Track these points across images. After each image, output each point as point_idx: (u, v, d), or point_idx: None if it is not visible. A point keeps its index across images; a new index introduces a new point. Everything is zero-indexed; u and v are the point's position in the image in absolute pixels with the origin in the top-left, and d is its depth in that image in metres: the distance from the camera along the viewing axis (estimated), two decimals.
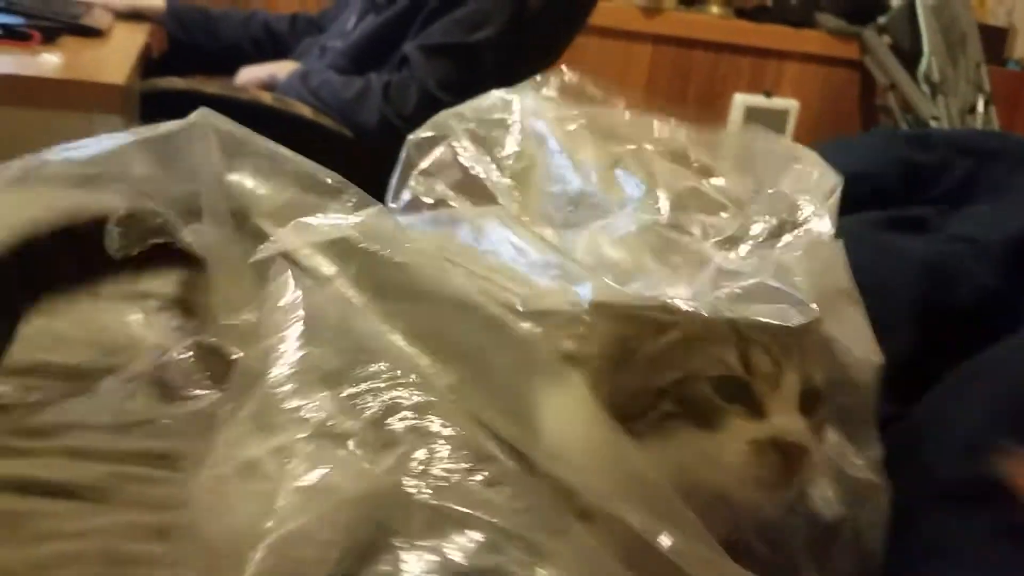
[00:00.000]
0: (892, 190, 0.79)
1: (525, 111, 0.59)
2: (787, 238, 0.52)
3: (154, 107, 1.55)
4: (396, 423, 0.41)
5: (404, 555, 0.37)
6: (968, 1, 3.36)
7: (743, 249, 0.52)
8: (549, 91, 0.63)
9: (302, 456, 0.40)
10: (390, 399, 0.42)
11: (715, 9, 3.22)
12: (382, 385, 0.42)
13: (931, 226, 0.75)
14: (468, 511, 0.38)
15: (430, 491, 0.39)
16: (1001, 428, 0.40)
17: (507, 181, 0.57)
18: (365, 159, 1.13)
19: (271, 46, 2.01)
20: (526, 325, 0.45)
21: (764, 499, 0.44)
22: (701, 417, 0.45)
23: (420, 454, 0.40)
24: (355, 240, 0.48)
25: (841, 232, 0.62)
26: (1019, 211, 0.76)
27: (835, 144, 0.90)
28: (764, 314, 0.45)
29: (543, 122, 0.58)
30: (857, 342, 0.49)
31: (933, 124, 2.92)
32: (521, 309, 0.45)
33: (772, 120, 3.28)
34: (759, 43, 3.26)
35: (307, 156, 1.84)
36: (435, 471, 0.39)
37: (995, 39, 3.55)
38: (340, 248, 0.48)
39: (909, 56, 3.15)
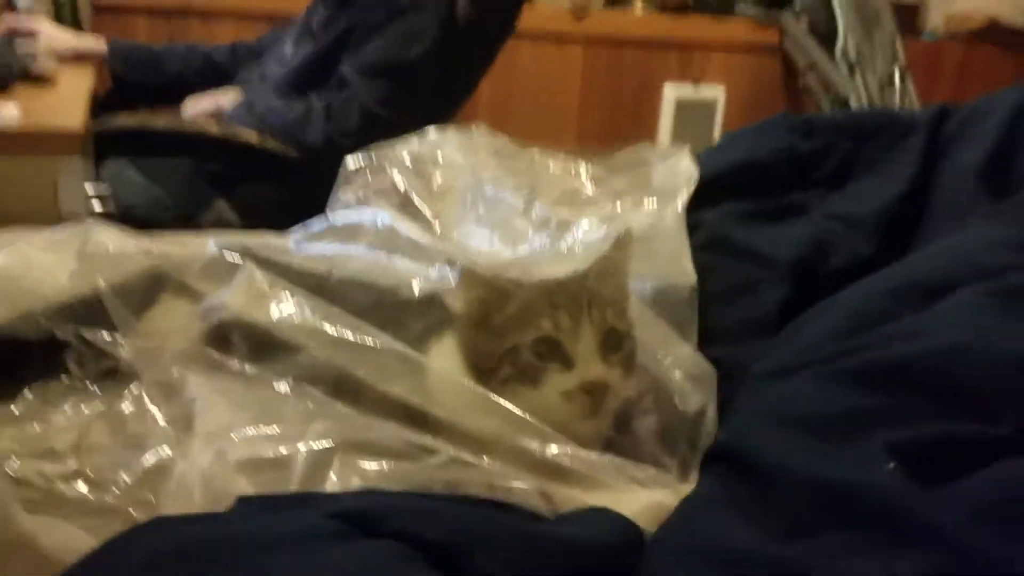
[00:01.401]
0: (777, 177, 0.88)
1: (450, 148, 0.69)
2: (636, 214, 0.64)
3: (105, 145, 1.62)
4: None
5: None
6: None
7: (592, 224, 0.64)
8: (476, 138, 0.74)
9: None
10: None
11: (639, 7, 3.34)
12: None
13: (812, 207, 0.85)
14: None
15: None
16: (836, 337, 0.50)
17: (432, 205, 0.67)
18: (311, 178, 1.22)
19: (213, 76, 2.06)
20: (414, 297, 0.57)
21: (585, 429, 0.56)
22: (528, 377, 0.57)
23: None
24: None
25: (718, 217, 0.73)
26: (888, 186, 0.86)
27: (727, 137, 0.99)
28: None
29: (463, 157, 0.68)
30: (677, 271, 0.62)
31: (852, 100, 3.07)
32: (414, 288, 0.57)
33: (702, 109, 3.40)
34: (684, 36, 3.39)
35: (256, 179, 1.92)
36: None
37: (908, 13, 3.71)
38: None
39: (826, 37, 3.29)
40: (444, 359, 0.58)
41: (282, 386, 0.53)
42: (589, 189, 0.69)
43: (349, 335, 0.53)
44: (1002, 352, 0.42)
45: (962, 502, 0.34)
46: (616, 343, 0.59)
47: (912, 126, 0.91)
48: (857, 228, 0.82)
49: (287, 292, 0.56)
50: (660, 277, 0.63)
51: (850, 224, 0.82)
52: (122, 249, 0.62)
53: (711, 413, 0.56)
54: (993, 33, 3.83)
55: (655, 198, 0.68)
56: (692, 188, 0.72)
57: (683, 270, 0.63)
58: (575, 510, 0.47)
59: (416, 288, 0.60)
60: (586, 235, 0.63)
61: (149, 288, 0.64)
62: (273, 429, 0.48)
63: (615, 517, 0.45)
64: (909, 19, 3.72)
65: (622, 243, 0.61)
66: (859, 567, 0.34)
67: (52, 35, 1.89)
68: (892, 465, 0.36)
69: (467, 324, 0.59)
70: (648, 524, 0.47)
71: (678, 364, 0.59)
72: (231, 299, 0.60)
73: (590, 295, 0.59)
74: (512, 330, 0.57)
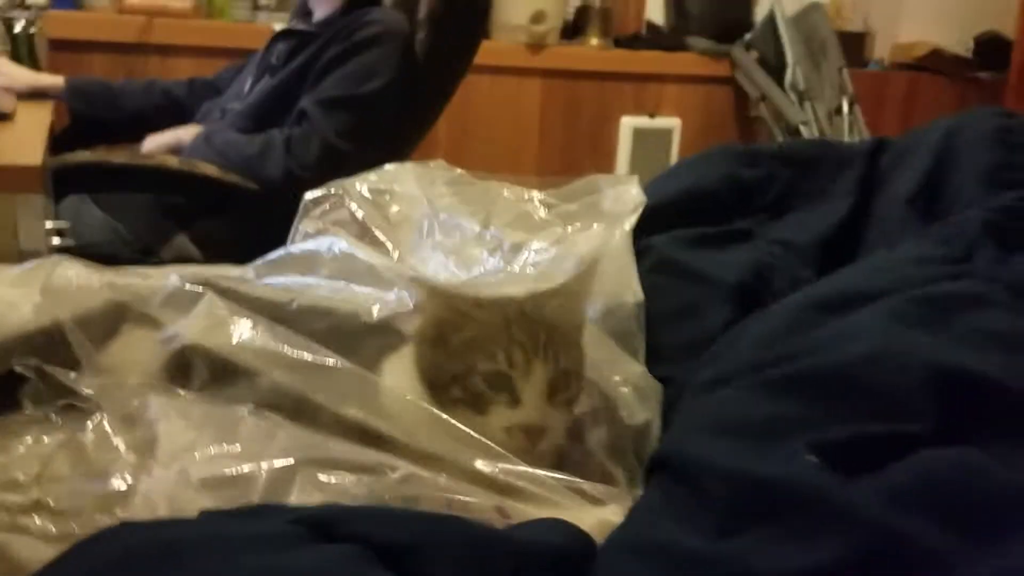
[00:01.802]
0: (722, 204, 0.92)
1: (408, 180, 0.72)
2: (585, 236, 0.67)
3: (64, 181, 1.62)
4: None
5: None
6: (825, 11, 3.62)
7: (543, 246, 0.67)
8: (434, 171, 0.77)
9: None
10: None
11: (594, 41, 3.41)
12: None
13: (756, 234, 0.89)
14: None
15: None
16: (765, 347, 0.53)
17: (390, 234, 0.70)
18: (271, 211, 1.23)
19: (172, 112, 2.07)
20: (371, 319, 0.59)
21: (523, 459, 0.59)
22: (476, 405, 0.59)
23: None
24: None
25: (667, 242, 0.77)
26: (827, 214, 0.90)
27: (675, 167, 1.03)
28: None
29: (419, 188, 0.71)
30: (624, 290, 0.64)
31: (803, 129, 3.15)
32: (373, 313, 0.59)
33: (658, 139, 3.47)
34: (639, 69, 3.47)
35: (216, 213, 1.92)
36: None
37: (854, 44, 3.84)
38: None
39: (775, 68, 3.39)
40: (398, 375, 0.60)
41: (242, 409, 0.54)
42: (541, 214, 0.73)
43: (307, 358, 0.55)
44: (910, 360, 0.46)
45: (877, 487, 0.36)
46: (564, 384, 0.61)
47: (849, 158, 0.96)
48: (797, 254, 0.86)
49: (246, 319, 0.58)
50: (608, 296, 0.66)
51: (791, 250, 0.86)
52: (86, 282, 0.63)
53: (656, 427, 0.59)
54: (936, 62, 3.97)
55: (603, 223, 0.71)
56: (639, 213, 0.75)
57: (630, 289, 0.66)
58: (528, 520, 0.49)
59: (375, 312, 0.62)
60: (537, 256, 0.66)
61: (111, 320, 0.65)
62: (235, 448, 0.50)
63: (566, 525, 0.48)
64: (856, 50, 3.84)
65: (584, 275, 0.63)
66: (781, 556, 0.36)
67: (9, 73, 1.90)
68: (812, 459, 0.39)
69: (423, 340, 0.61)
70: (600, 540, 0.49)
71: (626, 380, 0.62)
72: (191, 327, 0.61)
73: (547, 330, 0.61)
74: (467, 354, 0.59)
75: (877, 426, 0.40)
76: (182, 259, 1.76)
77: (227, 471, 0.48)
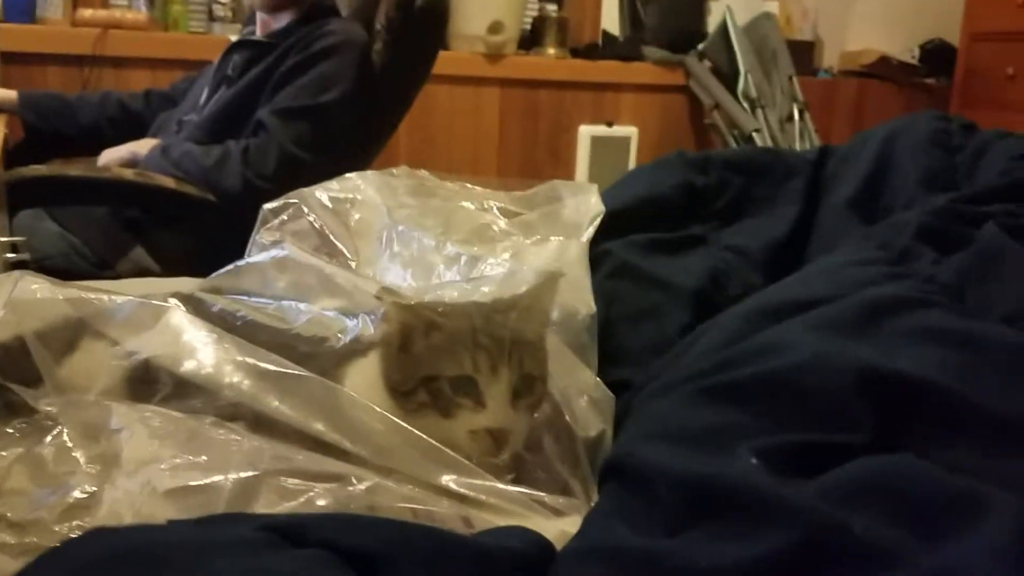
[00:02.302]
0: (677, 210, 0.95)
1: (368, 189, 0.73)
2: (542, 248, 0.69)
3: (18, 196, 1.60)
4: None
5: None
6: (775, 20, 3.70)
7: (500, 260, 0.68)
8: (396, 179, 0.77)
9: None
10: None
11: (551, 51, 3.45)
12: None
13: (709, 240, 0.92)
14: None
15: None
16: (709, 355, 0.55)
17: (350, 244, 0.71)
18: (230, 223, 1.23)
19: (128, 124, 2.05)
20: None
21: (485, 464, 0.60)
22: (443, 408, 0.60)
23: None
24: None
25: (624, 248, 0.79)
26: (776, 221, 0.93)
27: (631, 173, 1.05)
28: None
29: (380, 197, 0.72)
30: (578, 302, 0.66)
31: (755, 137, 3.21)
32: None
33: (616, 146, 3.51)
34: (596, 78, 3.51)
35: (174, 225, 1.90)
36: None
37: (804, 52, 3.92)
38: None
39: (728, 76, 3.45)
40: (361, 381, 0.61)
41: (205, 420, 0.55)
42: (501, 224, 0.74)
43: (270, 368, 0.56)
44: (845, 366, 0.47)
45: (816, 487, 0.38)
46: (528, 387, 0.62)
47: (797, 165, 0.99)
48: (748, 261, 0.88)
49: (207, 331, 0.58)
50: (562, 306, 0.67)
51: (742, 256, 0.89)
52: (48, 297, 0.63)
53: (608, 437, 0.61)
54: (884, 69, 4.07)
55: (562, 235, 0.73)
56: (597, 223, 0.77)
57: (584, 300, 0.67)
58: (491, 528, 0.50)
59: (341, 340, 0.62)
60: (493, 271, 0.67)
61: (72, 334, 0.65)
62: (199, 459, 0.50)
63: (527, 531, 0.49)
64: (805, 58, 3.92)
65: (547, 283, 0.64)
66: (723, 550, 0.38)
67: None
68: (754, 461, 0.40)
69: (389, 347, 0.62)
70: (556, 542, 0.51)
71: (581, 391, 0.63)
72: (152, 341, 0.61)
73: (513, 335, 0.62)
74: (434, 360, 0.60)
75: (813, 434, 0.42)
76: (139, 272, 1.75)
77: (192, 482, 0.49)
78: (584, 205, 0.78)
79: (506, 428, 0.60)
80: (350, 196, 0.75)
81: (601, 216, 0.78)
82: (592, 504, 0.57)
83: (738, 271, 0.86)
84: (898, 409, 0.48)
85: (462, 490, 0.54)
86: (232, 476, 0.48)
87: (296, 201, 0.80)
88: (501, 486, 0.56)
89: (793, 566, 0.36)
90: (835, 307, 0.53)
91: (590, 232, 0.79)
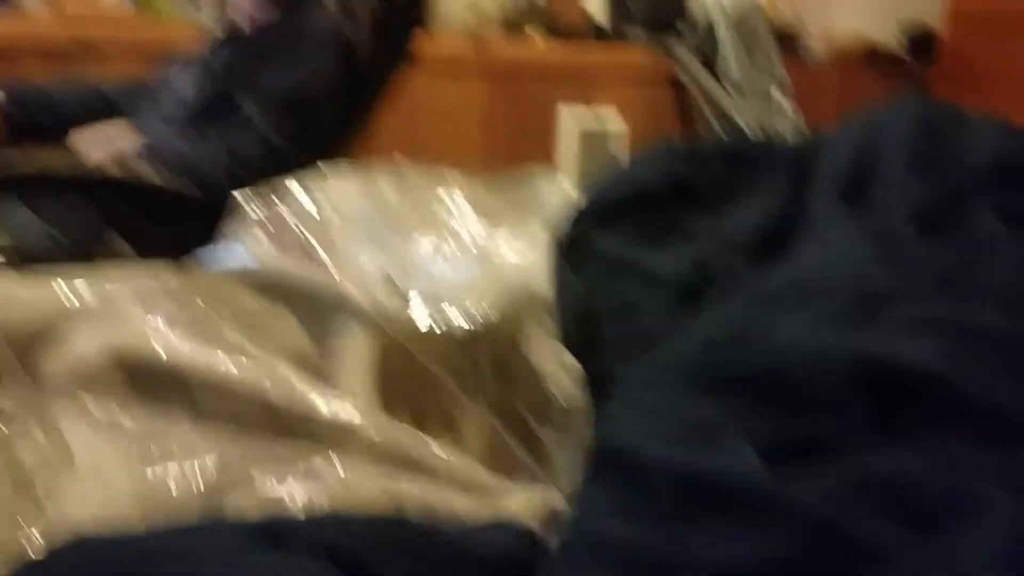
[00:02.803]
0: (664, 202, 0.94)
1: (343, 184, 0.72)
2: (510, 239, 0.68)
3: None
4: None
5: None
6: (760, 7, 3.69)
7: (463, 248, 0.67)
8: (379, 176, 0.76)
9: None
10: None
11: (536, 36, 3.44)
12: None
13: (696, 232, 0.91)
14: None
15: None
16: (701, 347, 0.54)
17: (323, 239, 0.70)
18: (211, 213, 1.22)
19: (110, 115, 2.04)
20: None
21: None
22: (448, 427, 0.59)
23: None
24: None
25: (611, 241, 0.79)
26: (763, 211, 0.93)
27: (615, 164, 1.05)
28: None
29: (356, 192, 0.71)
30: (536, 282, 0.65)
31: (740, 121, 3.21)
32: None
33: (602, 132, 3.51)
34: (580, 62, 3.50)
35: (159, 217, 1.89)
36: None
37: (788, 37, 3.91)
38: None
39: (713, 63, 3.44)
40: (355, 373, 0.59)
41: (175, 416, 0.54)
42: (471, 218, 0.73)
43: (242, 362, 0.54)
44: (837, 355, 0.47)
45: (815, 486, 0.38)
46: (511, 419, 0.61)
47: (783, 154, 0.99)
48: (735, 250, 0.88)
49: (175, 327, 0.57)
50: (523, 287, 0.66)
51: (729, 246, 0.88)
52: (11, 293, 0.62)
53: (586, 408, 0.60)
54: (869, 55, 4.07)
55: (527, 221, 0.72)
56: (565, 209, 0.77)
57: (541, 282, 0.65)
58: (476, 523, 0.50)
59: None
60: (459, 261, 0.66)
61: (40, 330, 0.64)
62: (169, 453, 0.49)
63: (514, 527, 0.49)
64: (790, 45, 3.92)
65: (521, 305, 0.61)
66: (726, 546, 0.38)
67: None
68: (754, 456, 0.40)
69: (373, 365, 0.60)
70: (532, 519, 0.50)
71: (553, 361, 0.62)
72: (120, 334, 0.60)
73: (492, 360, 0.60)
74: (415, 392, 0.58)
75: (810, 425, 0.42)
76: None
77: (163, 478, 0.47)
78: (553, 192, 0.78)
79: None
80: (323, 188, 0.74)
81: (569, 202, 0.78)
82: (570, 475, 0.56)
83: (726, 263, 0.86)
84: (895, 400, 0.48)
85: (430, 462, 0.53)
86: (203, 471, 0.47)
87: (269, 193, 0.78)
88: (469, 461, 0.55)
89: (794, 565, 0.36)
90: (827, 296, 0.53)
91: (555, 216, 0.77)
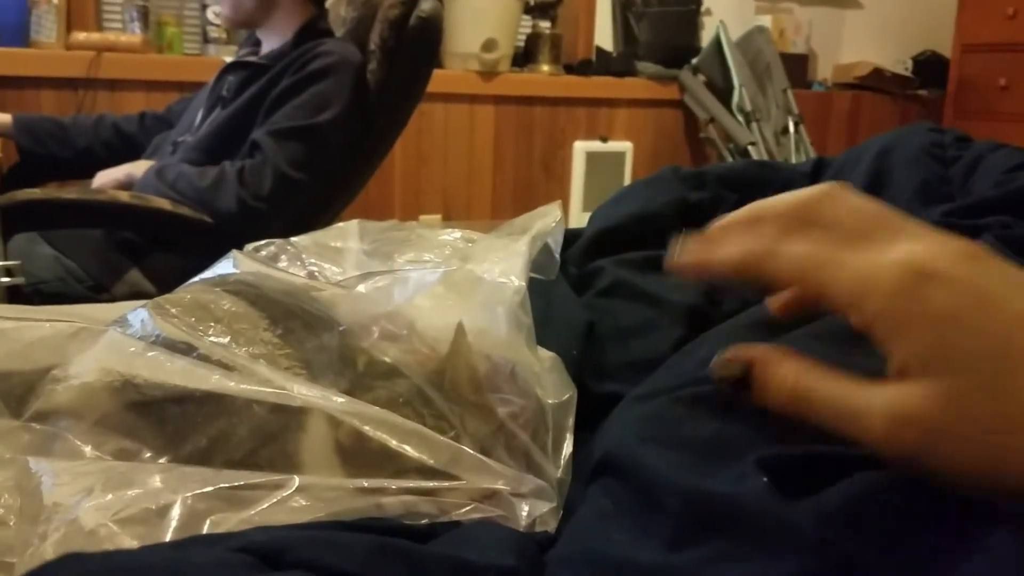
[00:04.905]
0: (671, 227, 0.94)
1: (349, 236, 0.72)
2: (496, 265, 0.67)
3: (13, 220, 1.60)
4: None
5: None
6: (769, 34, 3.72)
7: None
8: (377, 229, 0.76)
9: None
10: None
11: (545, 67, 3.46)
12: None
13: None
14: None
15: None
16: (705, 364, 0.54)
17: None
18: (225, 244, 1.23)
19: (123, 147, 2.06)
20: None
21: None
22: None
23: None
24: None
25: (617, 265, 0.79)
26: None
27: (624, 190, 1.05)
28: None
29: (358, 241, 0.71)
30: (509, 277, 0.64)
31: (751, 150, 3.22)
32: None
33: (611, 162, 3.53)
34: (590, 94, 3.53)
35: (170, 247, 1.89)
36: None
37: (798, 65, 3.94)
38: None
39: (722, 90, 3.47)
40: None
41: (144, 455, 0.52)
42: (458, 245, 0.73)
43: (230, 386, 0.53)
44: None
45: (819, 508, 0.38)
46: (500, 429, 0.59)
47: (792, 179, 0.99)
48: None
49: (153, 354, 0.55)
50: (494, 285, 0.64)
51: None
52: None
53: (574, 399, 0.59)
54: (877, 81, 4.09)
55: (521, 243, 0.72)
56: (554, 228, 0.76)
57: (514, 276, 0.64)
58: (466, 528, 0.49)
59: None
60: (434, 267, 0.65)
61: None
62: (127, 493, 0.47)
63: (508, 535, 0.48)
64: (799, 71, 3.95)
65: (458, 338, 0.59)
66: (735, 571, 0.38)
67: None
68: (764, 480, 0.40)
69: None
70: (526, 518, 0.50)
71: (544, 364, 0.61)
72: (91, 368, 0.57)
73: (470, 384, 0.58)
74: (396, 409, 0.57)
75: (816, 444, 0.42)
76: (136, 295, 1.75)
77: (134, 511, 0.46)
78: (540, 214, 0.77)
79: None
80: (332, 241, 0.74)
81: (558, 220, 0.78)
82: (556, 471, 0.55)
83: (733, 286, 0.85)
84: None
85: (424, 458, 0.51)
86: (164, 503, 0.46)
87: (277, 242, 0.77)
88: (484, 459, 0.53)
89: None
90: (835, 320, 0.53)
91: (543, 232, 0.77)
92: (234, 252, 0.68)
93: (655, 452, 0.45)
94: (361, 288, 0.64)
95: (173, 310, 0.60)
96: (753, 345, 0.41)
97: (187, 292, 0.65)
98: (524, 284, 0.65)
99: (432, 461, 0.52)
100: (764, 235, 0.40)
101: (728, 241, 0.42)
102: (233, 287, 0.63)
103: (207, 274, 0.68)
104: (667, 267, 0.45)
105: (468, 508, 0.51)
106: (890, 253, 0.36)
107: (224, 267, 0.68)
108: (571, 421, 0.60)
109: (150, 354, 0.54)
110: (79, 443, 0.52)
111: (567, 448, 0.59)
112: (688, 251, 0.44)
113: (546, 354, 0.63)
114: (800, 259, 0.38)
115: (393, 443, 0.51)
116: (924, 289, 0.34)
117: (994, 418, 0.33)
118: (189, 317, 0.59)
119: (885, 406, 0.36)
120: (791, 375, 0.40)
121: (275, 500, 0.46)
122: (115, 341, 0.56)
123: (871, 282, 0.35)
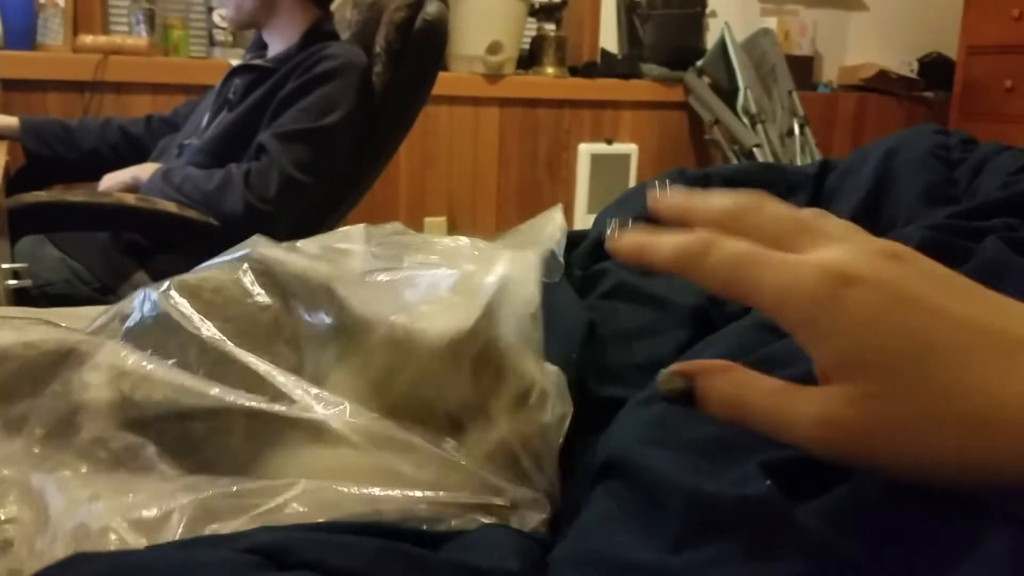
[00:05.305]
0: (676, 226, 0.94)
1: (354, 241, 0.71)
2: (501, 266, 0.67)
3: (20, 222, 1.61)
4: None
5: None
6: (774, 36, 3.72)
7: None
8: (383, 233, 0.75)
9: None
10: None
11: (550, 70, 3.47)
12: None
13: None
14: None
15: None
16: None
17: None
18: (231, 246, 1.23)
19: (129, 150, 2.07)
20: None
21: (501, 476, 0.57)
22: (456, 431, 0.58)
23: None
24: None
25: (621, 267, 0.79)
26: None
27: (629, 192, 1.05)
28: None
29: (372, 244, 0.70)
30: (521, 292, 0.64)
31: (756, 152, 3.22)
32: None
33: (616, 164, 3.53)
34: (595, 96, 3.53)
35: (176, 249, 1.90)
36: None
37: (803, 67, 3.94)
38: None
39: (728, 92, 3.46)
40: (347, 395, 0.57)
41: (146, 462, 0.52)
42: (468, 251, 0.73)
43: (230, 399, 0.53)
44: None
45: (823, 510, 0.38)
46: (526, 396, 0.60)
47: (797, 181, 0.99)
48: None
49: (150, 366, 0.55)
50: (507, 300, 0.64)
51: None
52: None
53: (568, 418, 0.59)
54: (883, 82, 4.09)
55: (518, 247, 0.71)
56: (559, 236, 0.77)
57: (526, 292, 0.64)
58: (470, 533, 0.49)
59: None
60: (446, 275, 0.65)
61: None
62: (131, 498, 0.47)
63: (511, 538, 0.48)
64: (804, 73, 3.94)
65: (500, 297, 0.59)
66: (740, 573, 0.38)
67: None
68: (768, 482, 0.40)
69: (377, 380, 0.60)
70: (532, 526, 0.50)
71: (546, 378, 0.61)
72: (94, 381, 0.57)
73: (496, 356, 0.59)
74: (427, 392, 0.58)
75: None
76: None
77: (138, 516, 0.47)
78: (543, 221, 0.77)
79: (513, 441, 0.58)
80: (337, 243, 0.74)
81: (564, 229, 0.78)
82: (547, 483, 0.56)
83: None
84: None
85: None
86: (167, 508, 0.46)
87: (283, 245, 0.77)
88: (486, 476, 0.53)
89: None
90: None
91: (549, 245, 0.77)
92: (255, 237, 0.69)
93: (659, 455, 0.45)
94: (382, 277, 0.64)
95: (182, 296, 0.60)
96: (696, 360, 0.42)
97: (208, 272, 0.65)
98: (537, 298, 0.65)
99: (427, 474, 0.52)
100: (699, 235, 0.40)
101: (666, 235, 0.43)
102: (256, 265, 0.64)
103: (225, 256, 0.69)
104: (606, 246, 0.45)
105: (465, 518, 0.51)
106: (811, 258, 0.36)
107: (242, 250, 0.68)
108: (562, 439, 0.60)
109: (148, 367, 0.55)
110: (80, 460, 0.52)
111: (555, 462, 0.59)
112: (626, 238, 0.45)
113: (550, 368, 0.63)
114: (726, 262, 0.38)
115: (395, 462, 0.52)
116: (843, 294, 0.34)
117: (916, 418, 0.34)
118: (205, 298, 0.60)
119: (813, 412, 0.36)
120: (727, 387, 0.41)
121: (275, 504, 0.47)
122: (113, 353, 0.56)
123: (793, 288, 0.35)
